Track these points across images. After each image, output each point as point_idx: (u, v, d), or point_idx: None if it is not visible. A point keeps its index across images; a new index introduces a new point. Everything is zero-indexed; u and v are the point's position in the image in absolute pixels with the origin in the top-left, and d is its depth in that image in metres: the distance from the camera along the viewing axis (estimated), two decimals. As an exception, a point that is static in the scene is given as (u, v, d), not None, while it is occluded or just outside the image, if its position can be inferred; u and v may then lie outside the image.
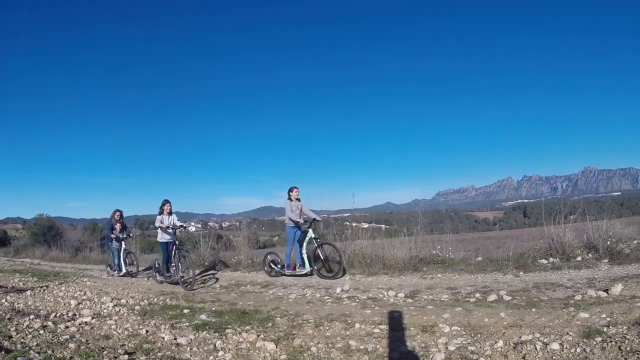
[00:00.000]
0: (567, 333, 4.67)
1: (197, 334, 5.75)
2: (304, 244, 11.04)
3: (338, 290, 8.65)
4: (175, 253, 11.24)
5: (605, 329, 4.65)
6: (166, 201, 11.77)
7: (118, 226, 14.43)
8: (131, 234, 15.88)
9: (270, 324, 6.31)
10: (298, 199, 11.47)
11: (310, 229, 11.08)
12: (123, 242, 14.35)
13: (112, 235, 14.33)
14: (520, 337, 4.76)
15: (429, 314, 6.22)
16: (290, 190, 11.44)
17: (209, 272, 13.12)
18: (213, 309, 7.64)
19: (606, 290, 6.41)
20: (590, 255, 9.33)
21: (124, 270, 14.01)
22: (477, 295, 7.23)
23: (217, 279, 11.72)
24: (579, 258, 9.25)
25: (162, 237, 11.70)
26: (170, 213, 11.78)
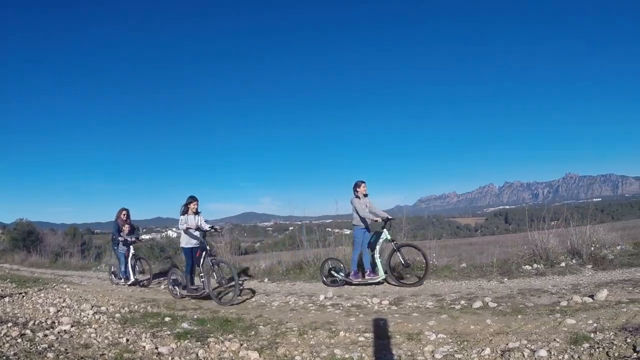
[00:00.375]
0: (555, 339, 4.65)
1: (178, 343, 5.62)
2: (377, 247, 9.73)
3: (322, 297, 8.56)
4: (205, 261, 9.62)
5: (592, 335, 4.64)
6: (192, 198, 10.13)
7: (126, 227, 13.02)
8: (140, 238, 14.25)
9: (253, 332, 6.21)
10: (366, 195, 10.15)
11: (385, 230, 9.75)
12: (132, 247, 12.87)
13: (120, 238, 12.78)
14: (507, 344, 4.72)
15: (414, 322, 6.17)
16: (357, 185, 10.08)
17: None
18: (195, 317, 7.49)
19: (591, 296, 6.41)
20: (574, 261, 9.37)
21: (132, 279, 12.57)
22: (462, 302, 7.18)
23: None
24: (563, 264, 9.29)
25: (188, 242, 10.08)
26: (196, 212, 10.16)
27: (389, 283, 9.68)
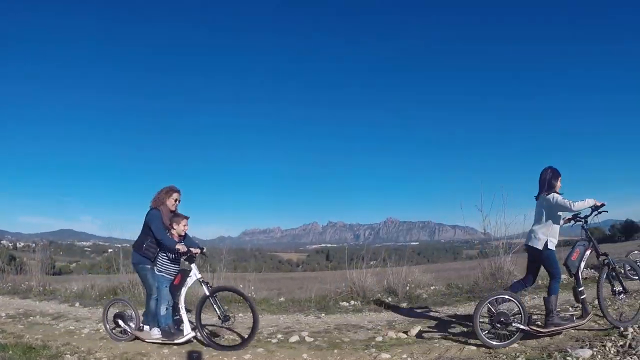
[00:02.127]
0: (370, 374, 4.82)
1: (-26, 371, 5.05)
2: None
3: (133, 327, 8.18)
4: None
5: (406, 369, 4.88)
6: (558, 173, 6.06)
7: (182, 227, 6.92)
8: (205, 249, 7.15)
9: (58, 361, 5.74)
10: None
11: None
12: (193, 266, 6.73)
13: (179, 248, 6.57)
14: (323, 378, 4.81)
15: (230, 355, 6.14)
16: None
17: None
18: (-5, 342, 6.77)
19: (406, 332, 6.81)
20: (390, 299, 9.88)
21: (189, 332, 6.56)
22: (279, 335, 7.24)
23: None
24: (380, 301, 9.75)
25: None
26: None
27: None
